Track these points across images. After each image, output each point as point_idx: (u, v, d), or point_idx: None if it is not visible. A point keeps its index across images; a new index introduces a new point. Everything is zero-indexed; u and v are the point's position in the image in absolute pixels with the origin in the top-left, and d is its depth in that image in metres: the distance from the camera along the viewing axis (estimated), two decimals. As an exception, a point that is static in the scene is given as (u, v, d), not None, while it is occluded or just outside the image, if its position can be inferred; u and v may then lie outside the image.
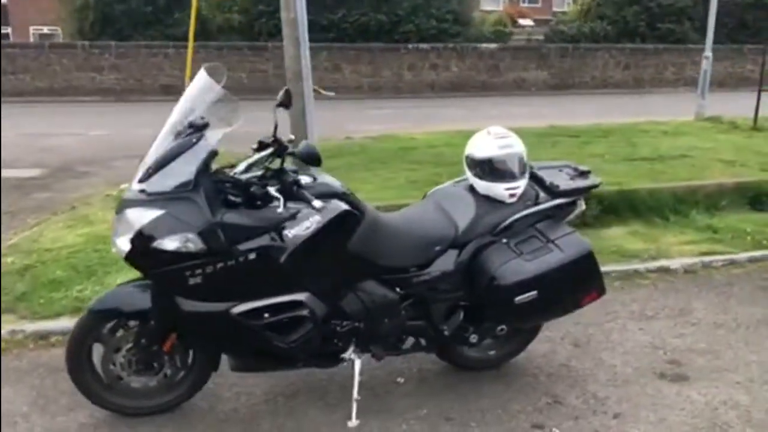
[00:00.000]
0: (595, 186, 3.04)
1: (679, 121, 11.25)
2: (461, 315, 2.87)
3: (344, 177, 6.98)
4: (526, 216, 2.84)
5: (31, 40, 26.36)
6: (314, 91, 17.16)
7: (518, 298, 2.65)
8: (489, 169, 2.87)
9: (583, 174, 3.04)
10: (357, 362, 2.80)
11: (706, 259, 4.65)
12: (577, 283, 2.79)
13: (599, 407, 2.93)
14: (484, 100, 16.18)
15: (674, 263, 4.58)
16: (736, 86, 18.53)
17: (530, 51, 17.85)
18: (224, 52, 16.12)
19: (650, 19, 22.99)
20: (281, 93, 2.77)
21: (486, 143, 2.90)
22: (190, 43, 6.02)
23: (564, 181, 2.96)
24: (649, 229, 5.23)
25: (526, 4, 41.33)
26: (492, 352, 3.17)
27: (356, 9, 21.40)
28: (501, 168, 2.85)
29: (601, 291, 2.88)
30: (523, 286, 2.66)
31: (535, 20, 36.70)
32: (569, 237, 2.77)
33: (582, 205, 3.03)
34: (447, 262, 2.79)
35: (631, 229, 5.21)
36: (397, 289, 2.78)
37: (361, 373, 2.80)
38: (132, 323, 2.66)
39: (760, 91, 10.82)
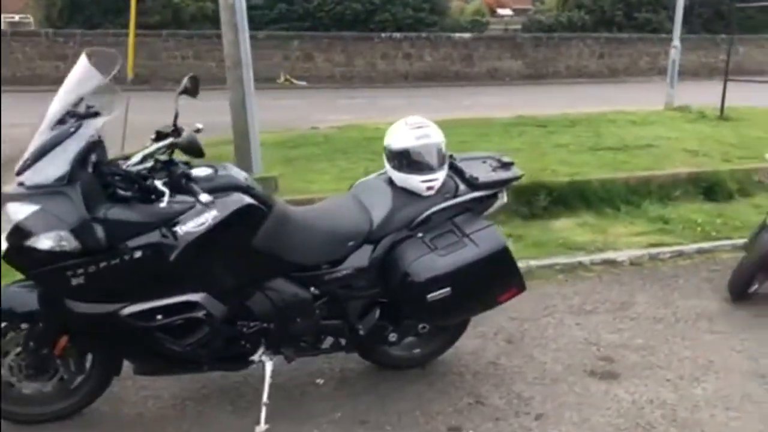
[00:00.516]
0: (517, 178, 2.92)
1: (648, 111, 11.20)
2: (377, 313, 2.75)
3: (303, 167, 6.94)
4: (444, 209, 2.71)
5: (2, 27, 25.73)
6: (286, 80, 17.00)
7: (431, 295, 2.53)
8: (406, 160, 2.73)
9: (506, 165, 2.91)
10: (268, 364, 2.66)
11: (654, 250, 4.57)
12: (493, 280, 2.67)
13: (522, 408, 2.82)
14: (458, 90, 16.04)
15: (621, 255, 4.49)
16: (710, 76, 18.55)
17: (504, 41, 17.72)
18: (194, 41, 15.82)
19: (627, 9, 22.95)
20: (185, 80, 2.60)
21: (403, 134, 2.76)
22: (131, 32, 5.79)
23: (485, 173, 2.83)
24: (600, 220, 5.14)
25: (505, -6, 41.19)
26: (417, 351, 3.05)
27: (332, -2, 21.19)
28: (418, 159, 2.72)
29: (520, 287, 2.76)
30: (436, 282, 2.53)
31: (514, 10, 36.56)
32: (485, 231, 2.64)
33: (504, 198, 2.91)
34: (361, 258, 2.65)
35: (581, 220, 5.11)
36: (311, 288, 2.65)
37: (273, 376, 2.66)
38: (24, 325, 2.50)
39: (726, 81, 10.81)
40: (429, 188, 2.72)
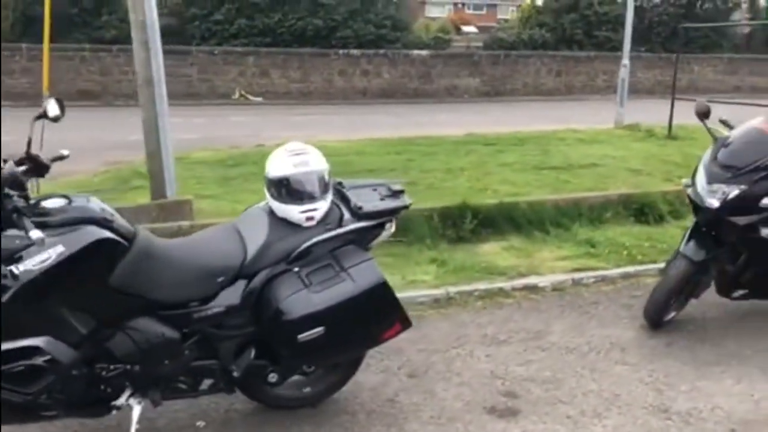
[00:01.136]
0: (405, 207, 2.78)
1: (598, 129, 11.28)
2: (252, 353, 2.57)
3: (239, 187, 6.73)
4: (324, 241, 2.56)
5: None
6: (241, 96, 16.80)
7: (302, 336, 2.37)
8: (285, 189, 2.58)
9: (396, 194, 2.78)
10: (136, 409, 2.47)
11: (577, 275, 4.48)
12: (371, 317, 2.52)
13: (410, 451, 2.67)
14: (416, 107, 16.03)
15: (543, 281, 4.39)
16: (664, 94, 18.84)
17: (462, 58, 17.81)
18: (145, 56, 15.46)
19: (587, 27, 23.34)
20: (46, 102, 2.41)
21: (281, 161, 2.61)
22: (46, 47, 5.57)
23: (372, 202, 2.69)
24: (528, 243, 5.04)
25: (471, 11, 41.75)
26: (307, 390, 2.87)
27: (293, 13, 21.05)
28: (297, 188, 2.57)
29: (405, 323, 2.62)
30: (308, 321, 2.37)
31: (479, 27, 37.02)
32: (363, 266, 2.50)
33: (391, 228, 2.77)
34: (233, 294, 2.48)
35: (508, 243, 5.01)
36: (180, 327, 2.46)
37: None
38: None
39: (673, 100, 10.95)
40: (309, 219, 2.56)
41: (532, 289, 4.31)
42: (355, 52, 16.83)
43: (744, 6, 28.30)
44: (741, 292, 3.81)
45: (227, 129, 12.10)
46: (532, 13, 25.94)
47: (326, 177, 2.64)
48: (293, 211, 2.56)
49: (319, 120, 13.71)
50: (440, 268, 4.49)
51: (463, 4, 41.21)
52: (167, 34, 20.09)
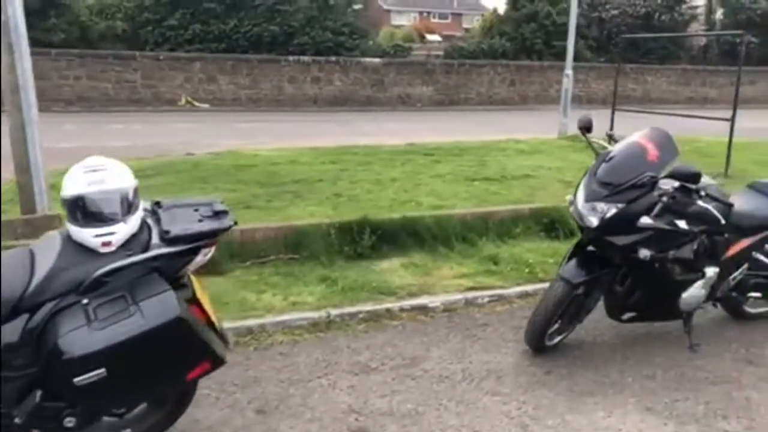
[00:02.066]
0: (224, 230, 2.51)
1: (540, 140, 11.18)
2: (38, 396, 2.26)
3: (159, 197, 6.40)
4: (120, 269, 2.27)
5: None
6: (187, 102, 16.35)
7: (79, 378, 2.08)
8: (80, 210, 2.29)
9: (218, 214, 2.51)
10: None
11: (471, 295, 4.25)
12: (166, 357, 2.24)
13: (226, 502, 2.38)
14: (367, 115, 15.82)
15: (435, 301, 4.16)
16: (618, 104, 18.93)
17: (415, 66, 17.64)
18: (87, 61, 15.02)
19: (546, 37, 23.45)
20: None
21: (75, 178, 2.32)
22: None
23: (185, 224, 2.41)
24: (430, 260, 4.80)
25: (436, 20, 41.83)
26: (127, 431, 2.58)
27: (249, 19, 20.72)
28: (93, 209, 2.28)
29: (215, 360, 2.34)
30: (86, 362, 2.08)
31: (444, 36, 37.10)
32: (157, 299, 2.21)
33: (207, 254, 2.49)
34: (12, 330, 2.18)
35: (408, 260, 4.77)
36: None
37: None
38: None
39: (613, 111, 10.91)
40: (105, 243, 2.28)
41: (422, 309, 4.07)
42: (305, 58, 16.57)
43: (701, 18, 28.80)
44: (630, 314, 3.63)
45: (165, 136, 11.71)
46: (494, 23, 26.05)
47: (130, 196, 2.36)
48: (87, 235, 2.27)
49: (263, 127, 13.41)
50: (329, 287, 4.23)
51: (429, 13, 41.27)
52: (120, 40, 19.68)
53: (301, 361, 3.42)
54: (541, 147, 10.61)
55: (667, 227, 3.24)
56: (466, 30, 33.67)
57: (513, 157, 9.77)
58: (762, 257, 3.74)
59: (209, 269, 4.36)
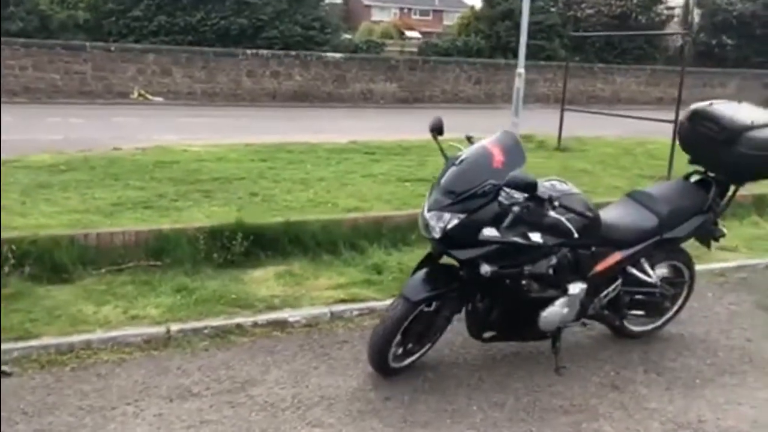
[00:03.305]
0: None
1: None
2: None
3: (45, 197, 5.98)
4: None
5: None
6: (140, 95, 15.91)
7: None
8: None
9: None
10: None
11: (339, 308, 3.93)
12: None
13: None
14: (325, 112, 15.46)
15: (296, 315, 3.83)
16: (586, 103, 18.73)
17: (378, 62, 17.29)
18: (33, 51, 14.54)
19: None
20: None
21: None
22: None
23: None
24: (310, 269, 4.47)
25: (417, 17, 41.50)
26: None
27: (216, 12, 20.28)
28: None
29: None
30: None
31: (423, 33, 36.82)
32: None
33: None
34: None
35: (286, 269, 4.43)
36: None
37: None
38: None
39: (562, 111, 10.62)
40: None
41: (280, 325, 3.74)
42: (264, 52, 16.16)
43: (676, 19, 28.69)
44: (490, 333, 3.32)
45: (103, 130, 11.31)
46: (471, 20, 25.77)
47: None
48: None
49: (212, 122, 13.04)
50: (183, 299, 3.89)
51: (410, 10, 40.89)
52: (82, 30, 19.23)
53: (117, 384, 3.09)
54: (489, 147, 10.29)
55: (515, 240, 2.93)
56: (448, 27, 33.38)
57: None
58: (637, 272, 3.43)
59: (55, 277, 4.03)
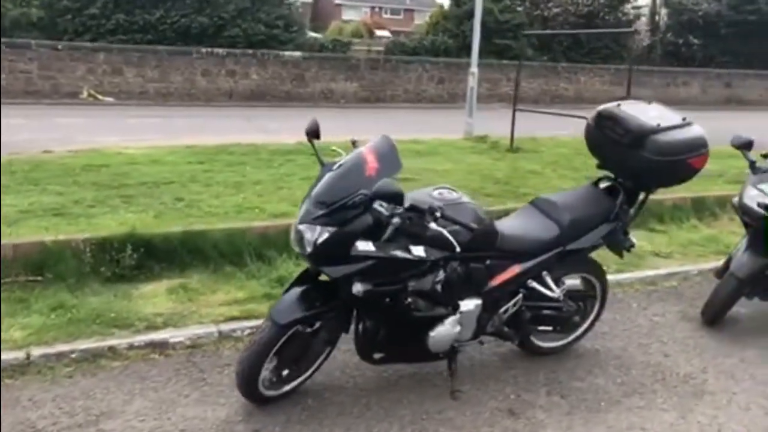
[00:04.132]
0: None
1: (443, 140, 10.65)
2: None
3: None
4: None
5: None
6: (89, 95, 15.36)
7: None
8: None
9: None
10: None
11: (229, 326, 3.62)
12: None
13: None
14: (281, 112, 15.09)
15: (180, 335, 3.51)
16: (550, 103, 18.63)
17: (338, 61, 16.96)
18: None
19: (487, 35, 22.99)
20: None
21: None
22: None
23: None
24: (209, 282, 4.16)
25: (388, 16, 41.24)
26: None
27: (177, 10, 19.79)
28: None
29: None
30: None
31: (393, 32, 36.56)
32: None
33: None
34: None
35: (181, 282, 4.11)
36: None
37: None
38: None
39: (514, 111, 10.41)
40: None
41: (160, 346, 3.42)
42: (219, 51, 15.75)
43: (643, 18, 28.79)
44: (380, 355, 3.04)
45: (42, 132, 10.86)
46: (439, 20, 25.57)
47: None
48: None
49: (161, 123, 12.61)
50: (57, 318, 3.56)
51: (380, 9, 40.59)
52: (37, 28, 18.63)
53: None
54: (440, 148, 10.08)
55: (392, 255, 2.65)
56: (418, 26, 33.16)
57: (405, 158, 8.96)
58: (538, 286, 3.17)
59: None
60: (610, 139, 3.22)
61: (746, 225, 3.90)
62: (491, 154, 9.91)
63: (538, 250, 3.12)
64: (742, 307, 4.19)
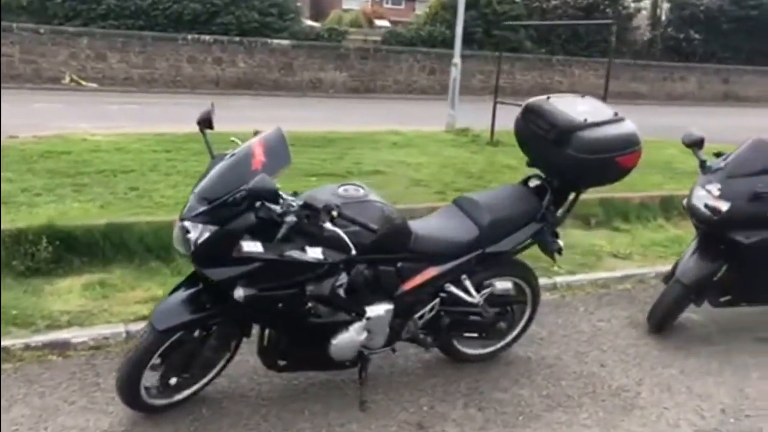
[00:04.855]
0: None
1: (423, 132, 10.41)
2: None
3: None
4: None
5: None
6: (72, 81, 15.12)
7: None
8: None
9: None
10: None
11: (138, 326, 3.40)
12: None
13: None
14: (267, 101, 14.88)
15: (84, 335, 3.31)
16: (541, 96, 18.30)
17: (327, 50, 16.68)
18: (-50, 32, 13.77)
19: (486, 26, 22.69)
20: None
21: None
22: None
23: None
24: (129, 277, 3.95)
25: (389, 5, 40.82)
26: None
27: (169, -5, 19.55)
28: None
29: None
30: None
31: (393, 22, 36.19)
32: None
33: None
34: None
35: (102, 277, 3.91)
36: None
37: None
38: None
39: (495, 104, 10.14)
40: None
41: (60, 347, 3.22)
42: (206, 37, 15.50)
43: (645, 12, 28.37)
44: (284, 362, 2.83)
45: (15, 117, 10.53)
46: (438, 10, 25.21)
47: None
48: None
49: (141, 110, 12.41)
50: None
51: (381, -2, 40.16)
52: (27, 12, 18.42)
53: None
54: (418, 140, 9.85)
55: (282, 257, 2.44)
56: (418, 16, 32.76)
57: (380, 150, 9.03)
58: (457, 291, 2.95)
59: None
60: (536, 135, 2.99)
61: (696, 228, 3.67)
62: (470, 147, 9.68)
63: (455, 252, 2.90)
64: (694, 313, 3.98)
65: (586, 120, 2.86)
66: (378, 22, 36.07)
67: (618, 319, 3.96)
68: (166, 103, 13.73)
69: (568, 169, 2.92)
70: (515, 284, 3.21)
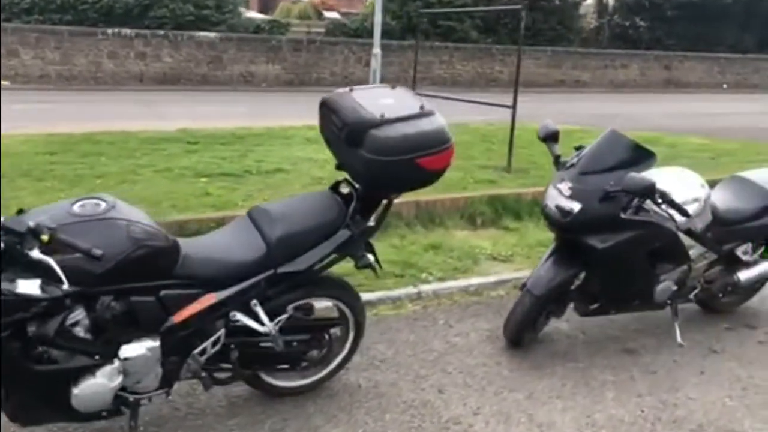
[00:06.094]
0: None
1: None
2: None
3: None
4: None
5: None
6: (-19, 80, 14.04)
7: None
8: None
9: None
10: None
11: None
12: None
13: None
14: (195, 96, 14.24)
15: None
16: (486, 87, 18.06)
17: (258, 43, 16.08)
18: None
19: (432, 16, 22.30)
20: None
21: None
22: None
23: None
24: None
25: (339, -4, 40.14)
26: None
27: (98, -12, 18.67)
28: None
29: None
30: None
31: (342, 14, 35.57)
32: None
33: None
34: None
35: None
36: None
37: None
38: None
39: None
40: None
41: None
42: (127, 31, 14.76)
43: (591, 0, 28.36)
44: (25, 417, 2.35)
45: None
46: (384, 1, 24.72)
47: None
48: None
49: (51, 109, 11.70)
50: None
51: (331, -11, 39.35)
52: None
53: None
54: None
55: None
56: (366, 7, 32.22)
57: (290, 147, 8.61)
58: (245, 319, 2.50)
59: None
60: (333, 134, 2.56)
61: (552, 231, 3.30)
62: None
63: (238, 274, 2.45)
64: (566, 322, 3.63)
65: (382, 116, 2.43)
66: (327, 14, 35.43)
67: (477, 333, 3.57)
68: (81, 101, 13.02)
69: (365, 172, 2.49)
70: (334, 306, 2.79)
